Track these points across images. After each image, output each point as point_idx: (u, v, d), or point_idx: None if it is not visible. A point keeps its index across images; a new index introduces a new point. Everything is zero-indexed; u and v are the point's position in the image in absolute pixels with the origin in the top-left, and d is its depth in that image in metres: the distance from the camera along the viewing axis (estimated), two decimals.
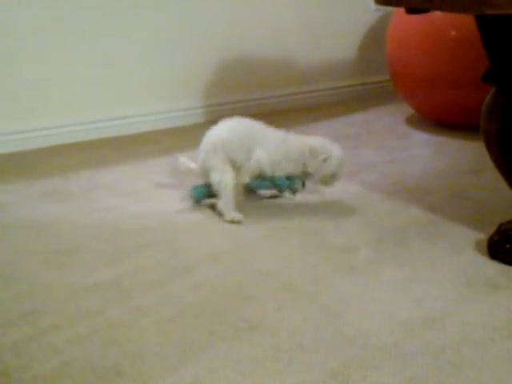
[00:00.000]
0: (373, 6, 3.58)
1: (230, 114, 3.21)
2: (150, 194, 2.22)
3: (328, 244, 1.79)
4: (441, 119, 2.95)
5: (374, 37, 3.66)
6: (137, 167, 2.52)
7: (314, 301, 1.48)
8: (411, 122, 3.10)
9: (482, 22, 1.57)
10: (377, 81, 3.72)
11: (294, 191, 2.12)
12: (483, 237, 1.74)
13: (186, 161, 2.12)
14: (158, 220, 2.00)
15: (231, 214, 1.99)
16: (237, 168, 2.03)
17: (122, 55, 2.98)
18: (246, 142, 2.04)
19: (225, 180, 2.00)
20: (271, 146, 2.03)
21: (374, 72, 3.72)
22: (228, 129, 2.06)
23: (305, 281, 1.58)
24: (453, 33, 2.65)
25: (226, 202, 2.00)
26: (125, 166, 2.54)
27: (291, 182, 2.10)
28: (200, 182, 2.09)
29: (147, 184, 2.32)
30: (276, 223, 1.95)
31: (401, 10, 1.87)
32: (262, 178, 2.09)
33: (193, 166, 2.10)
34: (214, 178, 2.01)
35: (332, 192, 2.13)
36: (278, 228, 1.92)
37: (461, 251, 1.71)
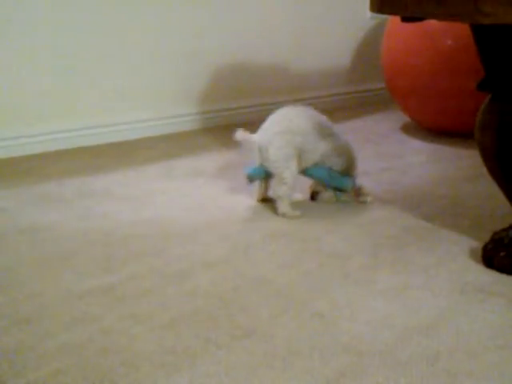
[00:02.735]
0: (368, 14, 3.60)
1: (225, 121, 3.25)
2: (145, 200, 2.22)
3: (323, 251, 1.79)
4: (436, 127, 2.96)
5: (370, 45, 3.67)
6: (132, 173, 2.52)
7: (308, 308, 1.48)
8: (406, 129, 3.10)
9: (477, 30, 1.58)
10: (372, 88, 3.73)
11: (343, 190, 2.14)
12: (478, 244, 1.74)
13: (244, 133, 2.05)
14: (153, 226, 1.99)
15: (288, 208, 2.03)
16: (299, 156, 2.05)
17: (117, 62, 2.98)
18: (319, 131, 2.07)
19: (291, 168, 2.02)
20: (334, 140, 2.10)
21: (369, 80, 3.73)
22: (306, 116, 2.08)
23: (300, 288, 1.58)
24: (448, 41, 2.66)
25: (286, 191, 2.02)
26: (120, 172, 2.54)
27: (342, 182, 2.12)
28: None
29: (143, 190, 2.32)
30: (271, 229, 1.95)
31: (396, 19, 1.88)
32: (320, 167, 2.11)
33: (252, 137, 2.06)
34: (281, 162, 2.02)
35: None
36: (273, 234, 1.92)
37: (455, 259, 1.71)
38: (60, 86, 2.86)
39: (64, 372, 1.26)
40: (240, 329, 1.39)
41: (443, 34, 2.66)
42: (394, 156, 2.69)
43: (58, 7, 2.79)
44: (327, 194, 2.17)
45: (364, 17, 3.66)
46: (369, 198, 2.14)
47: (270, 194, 2.13)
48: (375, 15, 3.40)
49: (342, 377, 1.22)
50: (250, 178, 2.09)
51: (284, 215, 2.03)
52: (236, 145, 2.83)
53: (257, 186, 2.14)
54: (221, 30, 3.23)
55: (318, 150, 2.07)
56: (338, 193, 2.15)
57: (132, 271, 1.69)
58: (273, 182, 2.08)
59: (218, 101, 3.30)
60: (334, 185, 2.13)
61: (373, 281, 1.61)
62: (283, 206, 2.04)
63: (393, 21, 2.87)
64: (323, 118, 2.13)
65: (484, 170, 1.69)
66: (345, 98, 3.65)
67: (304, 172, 2.11)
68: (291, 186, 2.04)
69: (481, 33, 1.57)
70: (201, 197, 2.25)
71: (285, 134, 2.03)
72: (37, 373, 1.25)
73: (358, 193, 2.14)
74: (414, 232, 1.90)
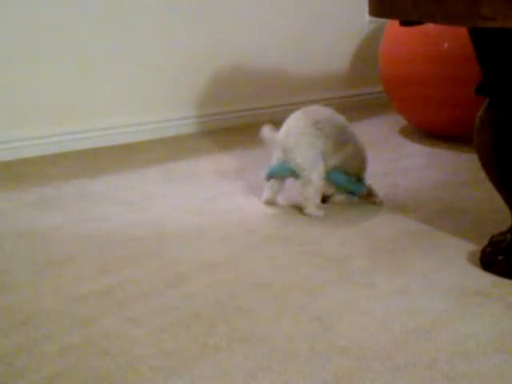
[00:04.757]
0: (367, 17, 3.60)
1: (224, 124, 3.25)
2: (143, 204, 2.22)
3: (321, 254, 1.79)
4: (434, 130, 2.96)
5: (368, 48, 3.67)
6: (130, 177, 2.52)
7: (306, 311, 1.48)
8: (405, 133, 3.11)
9: (476, 34, 1.58)
10: (370, 92, 3.74)
11: (357, 194, 2.17)
12: (476, 248, 1.74)
13: (270, 130, 2.07)
14: (151, 229, 1.99)
15: (315, 208, 2.05)
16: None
17: (115, 65, 2.98)
18: (342, 136, 2.10)
19: (319, 168, 2.03)
20: (354, 143, 2.14)
21: (367, 83, 3.73)
22: (330, 119, 2.10)
23: (297, 291, 1.58)
24: (446, 45, 2.66)
25: (314, 193, 2.04)
26: (118, 175, 2.54)
27: (358, 186, 2.16)
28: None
29: (140, 193, 2.32)
30: (269, 232, 1.95)
31: (394, 22, 1.88)
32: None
33: (278, 136, 2.07)
34: (308, 164, 2.03)
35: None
36: (271, 237, 1.92)
37: (454, 262, 1.71)
38: (57, 90, 2.86)
39: (62, 375, 1.25)
40: (238, 332, 1.39)
41: (442, 38, 2.66)
42: (393, 159, 2.69)
43: (54, 8, 2.79)
44: (339, 197, 2.18)
45: (363, 21, 3.67)
46: (378, 199, 2.16)
47: (279, 199, 2.16)
48: (374, 19, 3.40)
49: (339, 381, 1.22)
50: (271, 175, 2.10)
51: (311, 215, 2.05)
52: (233, 148, 2.84)
53: (267, 187, 2.15)
54: (220, 34, 3.23)
55: (340, 154, 2.09)
56: (350, 196, 2.18)
57: (130, 274, 1.69)
58: (299, 184, 2.08)
59: (216, 104, 3.30)
60: (350, 189, 2.15)
61: (371, 284, 1.61)
62: (310, 207, 2.05)
63: (391, 25, 2.88)
64: (344, 120, 2.15)
65: (482, 173, 1.69)
66: (343, 101, 3.65)
67: (329, 177, 2.13)
68: (318, 188, 2.05)
69: (479, 37, 1.58)
70: (199, 200, 2.25)
71: (310, 135, 2.03)
72: (35, 376, 1.25)
73: (369, 194, 2.16)
74: (412, 235, 1.90)
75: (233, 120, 3.30)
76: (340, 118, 2.14)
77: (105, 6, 2.91)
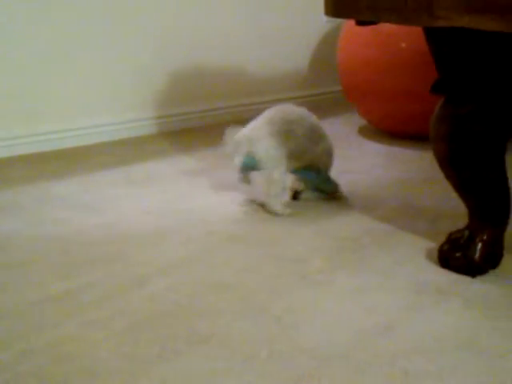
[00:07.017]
0: (324, 18, 3.62)
1: (182, 125, 3.24)
2: (103, 206, 2.20)
3: (282, 254, 1.79)
4: (392, 129, 2.98)
5: (326, 48, 3.69)
6: (90, 179, 2.50)
7: (266, 312, 1.48)
8: (363, 132, 3.13)
9: (430, 33, 1.59)
10: (329, 91, 3.75)
11: (327, 192, 2.20)
12: (434, 245, 1.76)
13: (233, 131, 2.06)
14: (111, 232, 1.98)
15: (280, 206, 2.06)
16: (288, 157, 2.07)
17: (73, 66, 2.96)
18: (313, 135, 2.12)
19: (281, 167, 2.04)
20: (324, 142, 2.16)
21: (325, 83, 3.75)
22: (301, 119, 2.12)
23: (258, 292, 1.58)
24: (402, 44, 2.68)
25: (277, 190, 2.05)
26: (77, 177, 2.51)
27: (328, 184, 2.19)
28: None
29: (100, 196, 2.30)
30: (230, 233, 1.95)
31: (351, 22, 1.90)
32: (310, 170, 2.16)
33: (242, 133, 2.06)
34: (270, 162, 2.03)
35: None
36: (232, 238, 1.91)
37: (412, 260, 1.73)
38: (14, 92, 2.82)
39: (19, 380, 1.24)
40: (197, 334, 1.39)
41: (397, 37, 2.68)
42: (352, 158, 2.71)
43: (17, 17, 2.76)
44: (308, 194, 2.21)
45: (320, 21, 3.68)
46: (343, 194, 2.20)
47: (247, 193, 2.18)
48: (331, 19, 3.42)
49: (300, 380, 1.22)
50: (244, 168, 2.08)
51: (276, 213, 2.06)
52: (193, 149, 2.83)
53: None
54: (177, 34, 3.22)
55: (311, 153, 2.12)
56: (318, 193, 2.20)
57: (90, 277, 1.67)
58: (263, 182, 2.09)
59: (174, 105, 3.29)
60: (321, 187, 2.19)
61: (331, 283, 1.62)
62: (275, 205, 2.06)
63: (348, 24, 2.89)
64: (315, 119, 2.17)
65: (439, 172, 1.70)
66: (302, 101, 3.65)
67: (294, 173, 2.14)
68: (281, 185, 2.06)
69: (434, 36, 1.59)
70: (159, 202, 2.24)
71: (279, 135, 2.04)
72: None
73: (335, 189, 2.20)
74: (371, 234, 1.92)
75: (193, 121, 3.28)
76: (312, 118, 2.16)
77: (67, 9, 2.88)
